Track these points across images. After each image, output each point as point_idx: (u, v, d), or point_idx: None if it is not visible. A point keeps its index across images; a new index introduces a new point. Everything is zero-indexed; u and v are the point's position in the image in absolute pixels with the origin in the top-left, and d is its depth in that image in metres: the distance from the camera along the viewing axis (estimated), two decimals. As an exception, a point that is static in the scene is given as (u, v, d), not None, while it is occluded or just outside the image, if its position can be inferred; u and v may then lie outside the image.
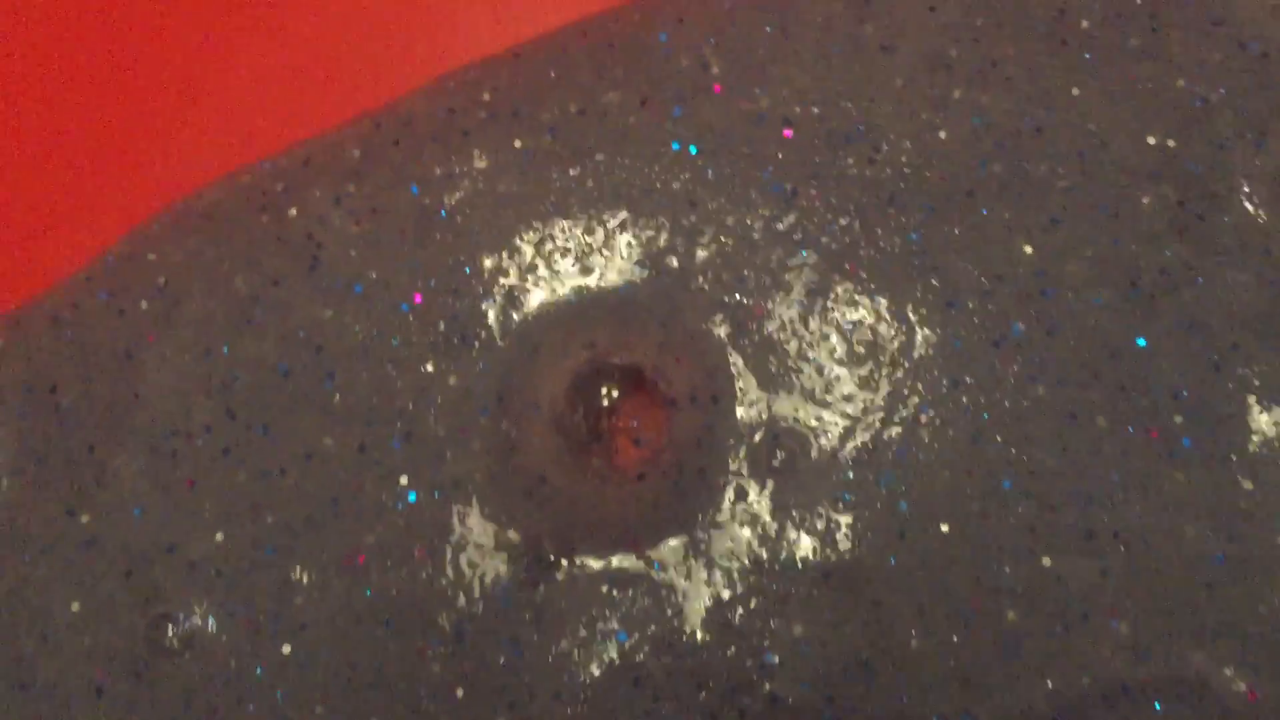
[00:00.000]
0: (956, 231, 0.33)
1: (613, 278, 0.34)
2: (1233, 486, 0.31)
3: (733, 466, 0.32)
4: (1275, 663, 0.30)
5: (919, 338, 0.33)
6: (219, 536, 0.33)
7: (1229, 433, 0.31)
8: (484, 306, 0.34)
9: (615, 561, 0.32)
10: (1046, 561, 0.31)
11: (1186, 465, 0.31)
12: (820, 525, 0.32)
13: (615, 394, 0.32)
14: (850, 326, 0.33)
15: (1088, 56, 0.35)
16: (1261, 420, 0.31)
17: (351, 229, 0.35)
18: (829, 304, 0.33)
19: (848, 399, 0.32)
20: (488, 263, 0.34)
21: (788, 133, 0.35)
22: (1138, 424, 0.31)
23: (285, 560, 0.33)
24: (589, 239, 0.34)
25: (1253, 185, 0.33)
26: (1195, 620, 0.31)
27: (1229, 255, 0.32)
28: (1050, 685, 0.30)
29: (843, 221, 0.34)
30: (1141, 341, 0.32)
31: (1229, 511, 0.31)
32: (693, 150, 0.35)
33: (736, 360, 0.33)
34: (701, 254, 0.34)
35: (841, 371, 0.33)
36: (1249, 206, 0.33)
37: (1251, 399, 0.31)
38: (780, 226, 0.34)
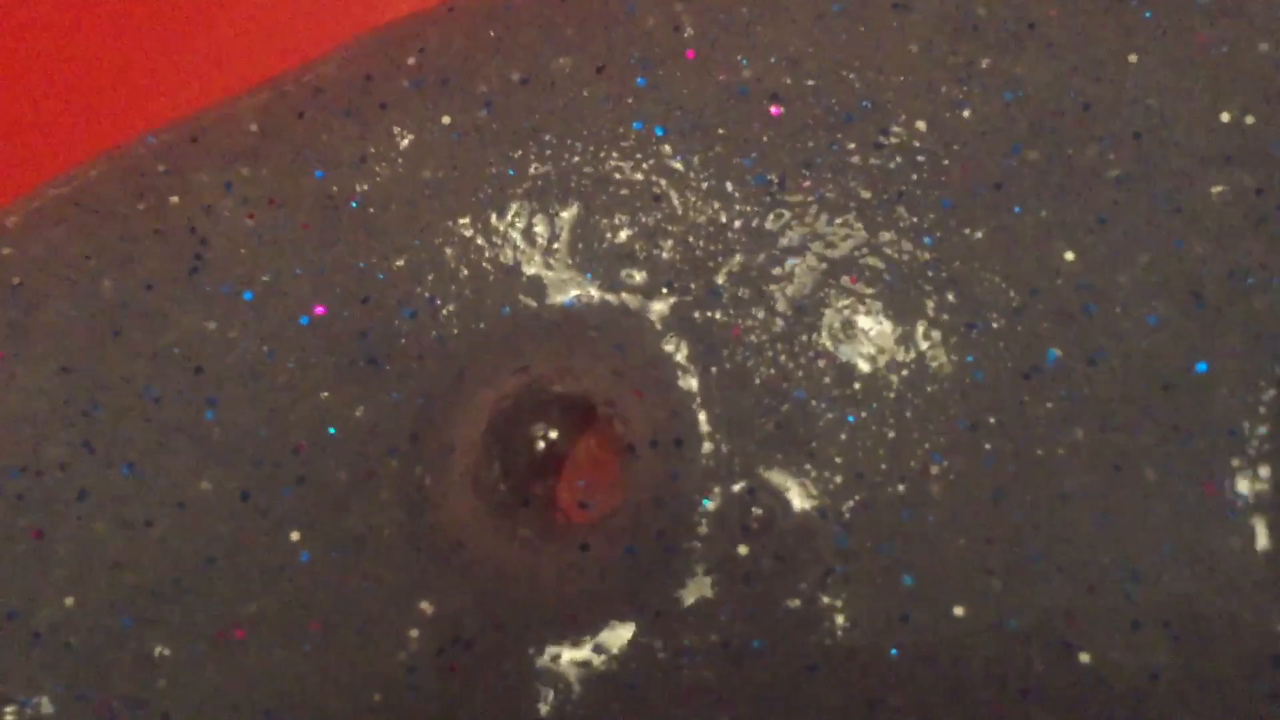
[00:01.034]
0: (980, 234, 0.27)
1: (557, 288, 0.27)
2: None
3: (699, 530, 0.26)
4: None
5: (931, 368, 0.26)
6: (70, 601, 0.27)
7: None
8: (398, 322, 0.28)
9: (550, 647, 0.26)
10: (1085, 658, 0.25)
11: (1242, 528, 0.25)
12: (804, 606, 0.25)
13: (555, 435, 0.26)
14: (847, 354, 0.27)
15: (1148, 16, 0.29)
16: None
17: (244, 222, 0.29)
18: (822, 325, 0.27)
19: (841, 445, 0.26)
20: (405, 267, 0.28)
21: (775, 110, 0.29)
22: (1191, 476, 0.25)
23: (148, 632, 0.26)
24: (530, 239, 0.28)
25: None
26: (1259, 712, 0.24)
27: None
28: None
29: (841, 221, 0.28)
30: (1202, 367, 0.25)
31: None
32: (659, 131, 0.28)
33: (707, 394, 0.27)
34: (667, 259, 0.27)
35: (835, 411, 0.26)
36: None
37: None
38: (764, 226, 0.28)
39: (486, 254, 0.28)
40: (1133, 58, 0.28)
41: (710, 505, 0.26)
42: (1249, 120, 0.28)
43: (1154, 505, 0.25)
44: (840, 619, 0.25)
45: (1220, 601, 0.25)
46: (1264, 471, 0.25)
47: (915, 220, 0.27)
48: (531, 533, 0.26)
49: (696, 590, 0.26)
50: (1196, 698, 0.25)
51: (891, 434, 0.26)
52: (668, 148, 0.28)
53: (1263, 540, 0.25)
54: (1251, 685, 0.24)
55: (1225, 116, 0.28)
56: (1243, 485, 0.25)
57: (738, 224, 0.28)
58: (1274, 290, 0.26)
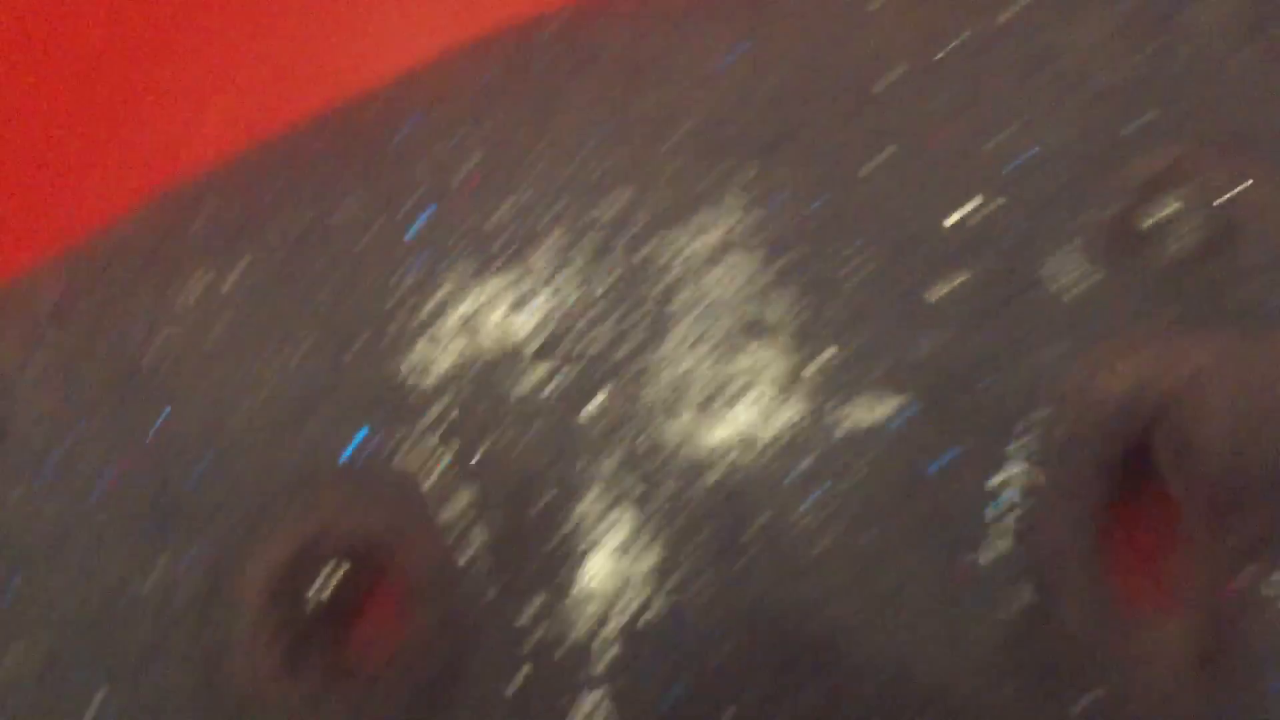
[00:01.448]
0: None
1: (344, 438, 0.29)
2: (1040, 631, 0.26)
3: (484, 657, 0.27)
4: None
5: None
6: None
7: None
8: (191, 480, 0.29)
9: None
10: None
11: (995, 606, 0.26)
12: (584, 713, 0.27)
13: (343, 575, 0.27)
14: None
15: (891, 121, 0.30)
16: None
17: (42, 389, 0.30)
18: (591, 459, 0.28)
19: (604, 567, 0.27)
20: (197, 425, 0.29)
21: (551, 235, 0.30)
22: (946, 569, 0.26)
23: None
24: (317, 390, 0.29)
25: (1073, 250, 0.28)
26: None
27: (1038, 335, 0.27)
28: None
29: (606, 341, 0.29)
30: (933, 468, 0.27)
31: (1040, 661, 0.26)
32: (429, 276, 0.30)
33: (480, 528, 0.28)
34: (444, 405, 0.29)
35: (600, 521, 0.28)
36: (1066, 272, 0.28)
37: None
38: (532, 356, 0.29)
39: (275, 407, 0.29)
40: (863, 171, 0.30)
41: (494, 633, 0.27)
42: (973, 221, 0.29)
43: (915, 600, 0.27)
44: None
45: (979, 683, 0.26)
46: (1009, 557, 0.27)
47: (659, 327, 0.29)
48: (321, 677, 0.27)
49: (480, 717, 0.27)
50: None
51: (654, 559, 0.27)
52: (450, 283, 0.30)
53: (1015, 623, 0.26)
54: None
55: (953, 218, 0.29)
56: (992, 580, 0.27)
57: (507, 359, 0.29)
58: (1005, 377, 0.27)
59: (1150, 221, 0.28)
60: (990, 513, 0.27)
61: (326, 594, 0.27)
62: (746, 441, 0.28)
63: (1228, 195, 0.28)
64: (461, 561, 0.27)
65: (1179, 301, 0.28)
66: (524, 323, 0.29)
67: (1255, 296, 0.27)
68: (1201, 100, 0.29)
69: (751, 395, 0.28)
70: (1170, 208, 0.28)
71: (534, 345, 0.29)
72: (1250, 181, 0.28)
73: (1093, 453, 0.27)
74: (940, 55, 0.30)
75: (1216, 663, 0.26)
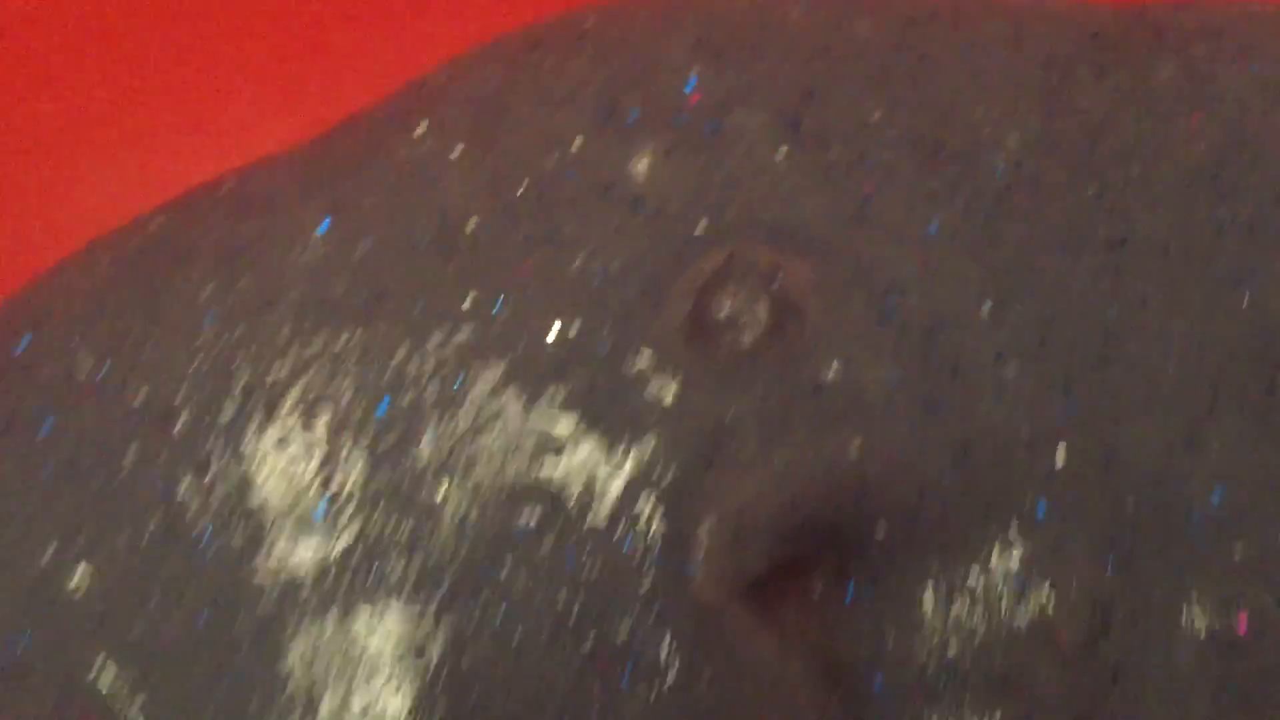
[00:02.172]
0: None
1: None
2: (691, 690, 0.28)
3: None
4: None
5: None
6: None
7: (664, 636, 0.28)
8: None
9: None
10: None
11: (640, 689, 0.28)
12: None
13: None
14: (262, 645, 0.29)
15: (479, 260, 0.32)
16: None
17: None
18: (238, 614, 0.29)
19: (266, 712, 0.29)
20: None
21: (171, 422, 0.31)
22: (586, 659, 0.28)
23: None
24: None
25: (658, 347, 0.30)
26: None
27: (643, 428, 0.30)
28: None
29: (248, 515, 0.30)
30: (570, 565, 0.29)
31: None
32: (70, 468, 0.31)
33: (148, 699, 0.29)
34: (87, 583, 0.30)
35: (259, 687, 0.29)
36: (655, 369, 0.31)
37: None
38: (176, 528, 0.30)
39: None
40: (467, 303, 0.32)
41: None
42: (573, 331, 0.31)
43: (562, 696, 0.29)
44: None
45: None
46: (645, 639, 0.29)
47: (306, 492, 0.30)
48: None
49: None
50: None
51: (320, 684, 0.29)
52: (74, 483, 0.31)
53: (657, 689, 0.28)
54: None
55: (555, 330, 0.32)
56: (631, 654, 0.29)
57: (151, 532, 0.30)
58: (622, 476, 0.30)
59: (719, 314, 0.31)
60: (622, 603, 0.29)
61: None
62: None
63: (776, 282, 0.31)
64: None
65: (758, 385, 0.31)
66: (167, 506, 0.31)
67: (817, 371, 0.31)
68: (748, 200, 0.32)
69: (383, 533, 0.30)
70: (730, 300, 0.31)
71: (179, 524, 0.30)
72: (795, 266, 0.31)
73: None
74: (516, 194, 0.33)
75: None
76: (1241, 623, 0.29)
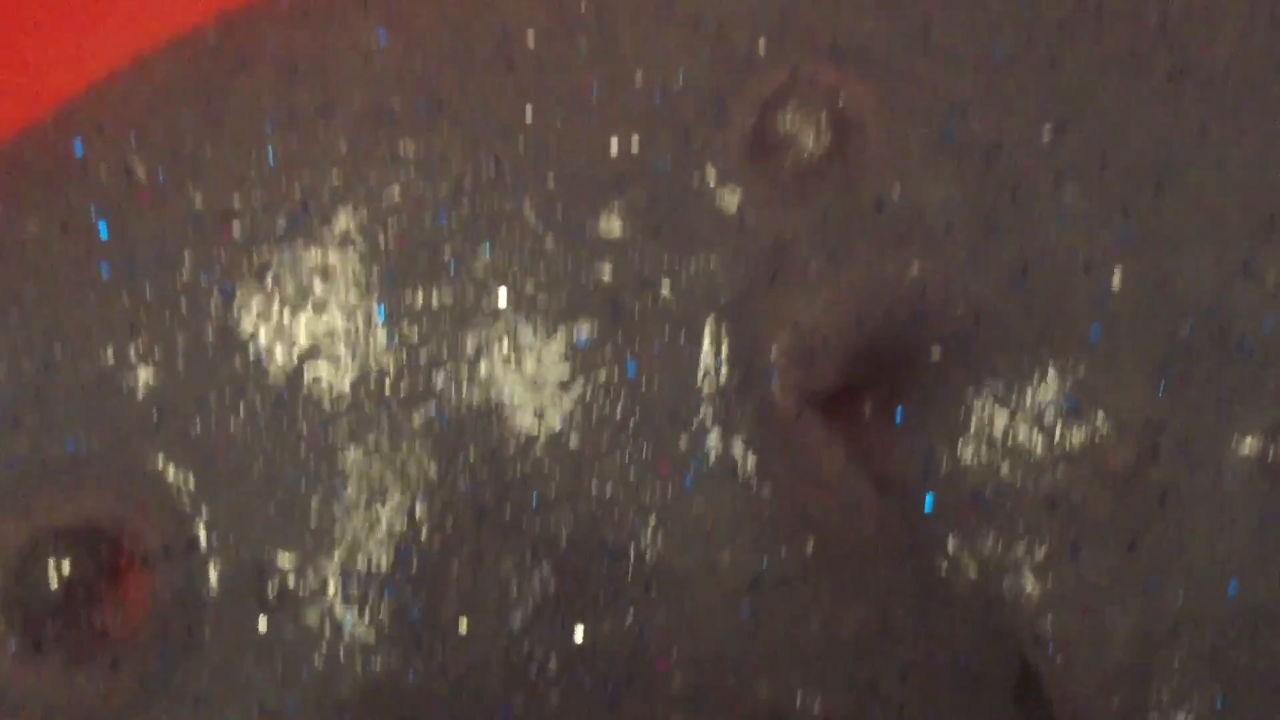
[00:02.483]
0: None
1: (50, 426, 0.30)
2: (753, 500, 0.28)
3: (223, 613, 0.28)
4: (837, 676, 0.28)
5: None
6: None
7: (730, 444, 0.28)
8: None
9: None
10: (578, 635, 0.28)
11: (702, 492, 0.28)
12: (325, 653, 0.28)
13: (68, 569, 0.28)
14: (323, 435, 0.29)
15: (538, 74, 0.32)
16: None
17: None
18: (298, 413, 0.29)
19: (325, 512, 0.29)
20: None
21: (229, 228, 0.31)
22: (648, 460, 0.28)
23: None
24: (24, 394, 0.30)
25: (719, 163, 0.30)
26: (750, 649, 0.28)
27: (703, 241, 0.30)
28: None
29: (305, 315, 0.30)
30: (631, 371, 0.29)
31: (755, 528, 0.28)
32: (128, 270, 0.31)
33: (209, 495, 0.29)
34: (147, 383, 0.30)
35: (323, 489, 0.29)
36: (718, 185, 0.30)
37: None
38: (233, 332, 0.30)
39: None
40: (529, 115, 0.32)
41: (229, 592, 0.28)
42: (634, 149, 0.31)
43: (620, 493, 0.29)
44: (360, 654, 0.28)
45: (695, 552, 0.28)
46: (707, 445, 0.29)
47: (366, 298, 0.30)
48: (62, 665, 0.28)
49: (230, 670, 0.28)
50: (685, 634, 0.28)
51: (365, 495, 0.29)
52: (138, 284, 0.31)
53: (713, 498, 0.29)
54: (732, 602, 0.28)
55: (615, 148, 0.31)
56: (690, 457, 0.29)
57: (212, 335, 0.30)
58: (677, 289, 0.30)
59: (781, 130, 0.31)
60: (684, 411, 0.29)
61: (60, 579, 0.28)
62: (453, 377, 0.30)
63: (839, 101, 0.31)
64: (189, 529, 0.28)
65: (820, 202, 0.31)
66: (221, 306, 0.31)
67: (879, 190, 0.30)
68: (810, 21, 0.32)
69: (455, 334, 0.30)
70: (793, 117, 0.31)
71: (237, 329, 0.31)
72: (857, 86, 0.31)
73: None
74: (579, 10, 0.33)
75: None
76: (1289, 448, 0.29)
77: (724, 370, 0.29)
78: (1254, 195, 0.30)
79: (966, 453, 0.30)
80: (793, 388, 0.28)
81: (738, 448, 0.28)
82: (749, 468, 0.28)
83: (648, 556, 0.28)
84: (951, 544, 0.29)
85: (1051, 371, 0.29)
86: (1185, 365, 0.29)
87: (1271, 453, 0.29)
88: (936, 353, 0.29)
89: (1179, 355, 0.29)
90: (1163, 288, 0.30)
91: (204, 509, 0.29)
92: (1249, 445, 0.29)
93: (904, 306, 0.29)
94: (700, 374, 0.29)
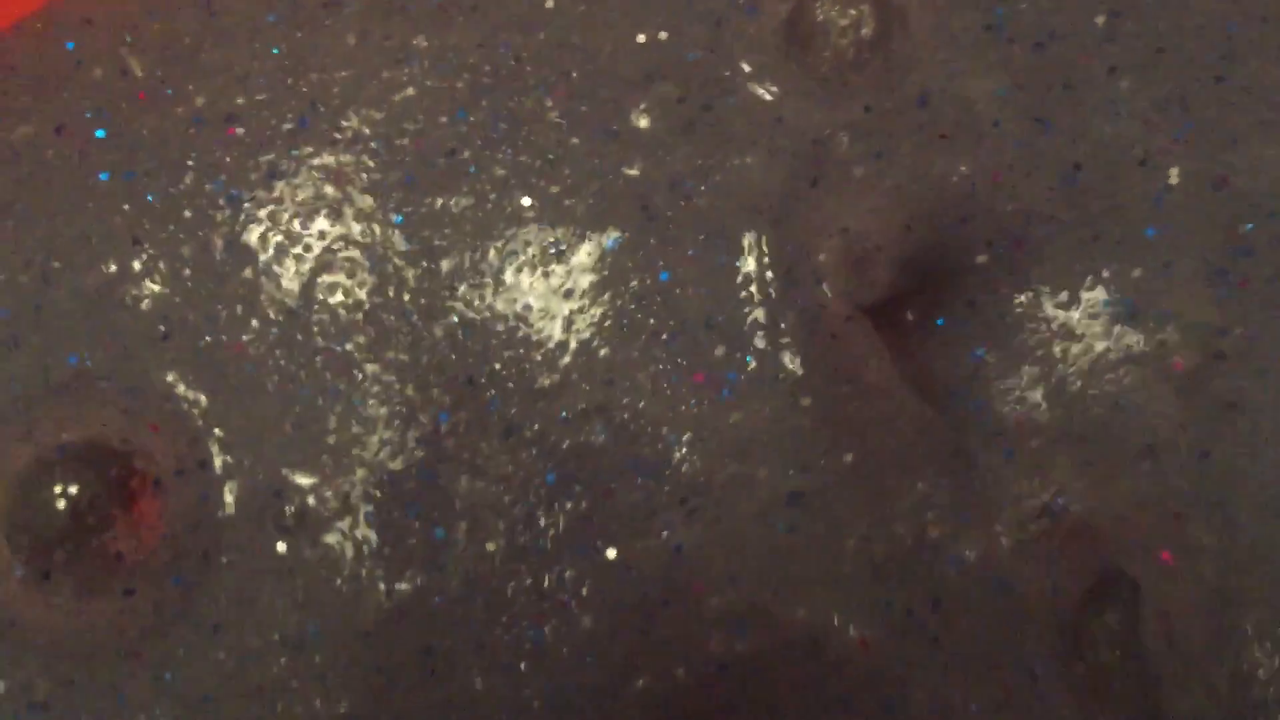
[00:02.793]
0: (443, 201, 0.28)
1: (51, 343, 0.28)
2: (793, 411, 0.26)
3: (240, 536, 0.26)
4: (873, 606, 0.26)
5: (414, 341, 0.28)
6: None
7: (772, 353, 0.27)
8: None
9: (126, 689, 0.26)
10: (611, 554, 0.26)
11: (740, 403, 0.27)
12: (346, 577, 0.26)
13: (79, 491, 0.26)
14: (341, 347, 0.28)
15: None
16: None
17: None
18: (313, 324, 0.28)
19: (354, 436, 0.27)
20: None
21: (232, 131, 0.29)
22: (682, 371, 0.27)
23: None
24: (24, 310, 0.28)
25: (753, 55, 0.28)
26: (787, 568, 0.26)
27: (738, 140, 0.28)
28: (642, 684, 0.26)
29: (314, 223, 0.29)
30: (665, 275, 0.27)
31: (794, 440, 0.26)
32: (128, 176, 0.29)
33: (221, 414, 0.27)
34: (152, 295, 0.28)
35: (343, 404, 0.27)
36: (752, 79, 0.28)
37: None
38: (243, 240, 0.28)
39: (-16, 331, 0.28)
40: (549, 3, 0.30)
41: (246, 515, 0.27)
42: (663, 36, 0.29)
43: (654, 406, 0.27)
44: (384, 580, 0.26)
45: (731, 466, 0.27)
46: (747, 354, 0.27)
47: (382, 203, 0.29)
48: (73, 593, 0.26)
49: (248, 597, 0.26)
50: (719, 556, 0.26)
51: (386, 410, 0.27)
52: (139, 188, 0.29)
53: (750, 409, 0.27)
54: (768, 522, 0.26)
55: (641, 37, 0.29)
56: (728, 369, 0.27)
57: (219, 243, 0.29)
58: (716, 185, 0.28)
59: (819, 19, 0.29)
60: (722, 317, 0.27)
61: (68, 502, 0.26)
62: (479, 285, 0.28)
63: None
64: (204, 456, 0.27)
65: (862, 97, 0.29)
66: (233, 217, 0.29)
67: (923, 83, 0.28)
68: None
69: (479, 243, 0.28)
70: (830, 3, 0.29)
71: (234, 235, 0.29)
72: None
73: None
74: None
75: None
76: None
77: (768, 277, 0.27)
78: (1317, 87, 0.28)
79: (1018, 358, 0.28)
80: (843, 295, 0.26)
81: (784, 357, 0.27)
82: (793, 377, 0.27)
83: (683, 471, 0.26)
84: (997, 452, 0.27)
85: (1106, 273, 0.27)
86: (1247, 267, 0.27)
87: (1336, 356, 0.27)
88: (985, 256, 0.28)
89: (1240, 256, 0.28)
90: (1222, 185, 0.28)
91: (216, 428, 0.27)
92: (1312, 350, 0.27)
93: (952, 208, 0.27)
94: (739, 281, 0.27)
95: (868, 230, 0.27)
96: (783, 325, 0.27)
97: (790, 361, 0.26)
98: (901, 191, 0.27)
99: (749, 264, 0.27)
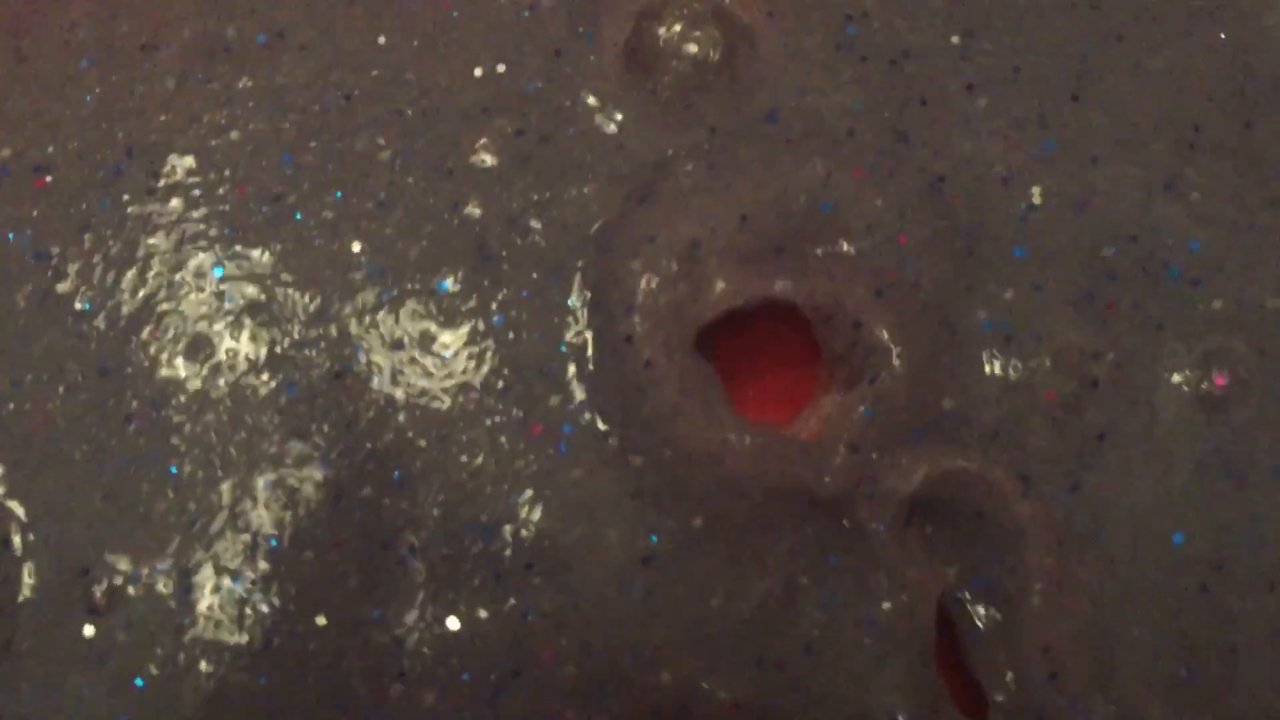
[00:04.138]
0: (270, 249, 0.25)
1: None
2: (626, 472, 0.23)
3: (43, 620, 0.23)
4: (743, 664, 0.23)
5: (248, 395, 0.24)
6: None
7: (591, 404, 0.24)
8: None
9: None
10: (453, 624, 0.23)
11: (578, 458, 0.23)
12: (162, 659, 0.23)
13: None
14: (167, 403, 0.24)
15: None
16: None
17: None
18: (140, 385, 0.24)
19: (159, 499, 0.24)
20: None
21: (41, 182, 0.26)
22: (519, 422, 0.24)
23: None
24: None
25: (594, 83, 0.25)
26: (646, 632, 0.23)
27: (577, 171, 0.25)
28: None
29: (129, 276, 0.25)
30: (499, 320, 0.24)
31: (637, 502, 0.23)
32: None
33: (20, 486, 0.24)
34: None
35: (159, 466, 0.24)
36: (593, 107, 0.25)
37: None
38: (48, 298, 0.25)
39: None
40: (381, 39, 0.27)
41: (49, 597, 0.23)
42: (500, 69, 0.26)
43: (491, 463, 0.24)
44: (206, 666, 0.23)
45: (578, 528, 0.24)
46: (575, 400, 0.24)
47: (204, 252, 0.25)
48: None
49: (50, 685, 0.23)
50: (574, 621, 0.23)
51: (204, 476, 0.24)
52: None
53: (590, 465, 0.24)
54: (620, 589, 0.23)
55: (479, 71, 0.26)
56: (563, 420, 0.24)
57: (22, 302, 0.25)
58: (553, 220, 0.25)
59: (661, 41, 0.26)
60: (554, 363, 0.24)
61: None
62: (299, 336, 0.24)
63: (725, 6, 0.26)
64: (4, 533, 0.23)
65: (706, 118, 0.26)
66: (41, 272, 0.25)
67: (773, 101, 0.26)
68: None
69: (293, 293, 0.25)
70: (674, 25, 0.26)
71: (55, 294, 0.25)
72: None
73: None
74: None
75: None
76: (1220, 379, 0.25)
77: (584, 313, 0.24)
78: (1174, 106, 0.26)
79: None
80: (659, 320, 0.23)
81: (601, 411, 0.23)
82: (617, 434, 0.23)
83: (525, 533, 0.23)
84: (863, 495, 0.24)
85: (982, 292, 0.25)
86: (1113, 290, 0.25)
87: (1205, 384, 0.25)
88: (849, 248, 0.25)
89: (1105, 280, 0.25)
90: (1085, 205, 0.25)
91: (18, 502, 0.23)
92: (1182, 376, 0.25)
93: (804, 196, 0.24)
94: (569, 319, 0.24)
95: (690, 232, 0.24)
96: (601, 370, 0.23)
97: (606, 418, 0.23)
98: (733, 189, 0.24)
99: (575, 299, 0.24)
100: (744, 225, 0.24)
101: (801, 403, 0.25)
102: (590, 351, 0.24)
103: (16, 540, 0.23)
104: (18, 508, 0.23)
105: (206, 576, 0.23)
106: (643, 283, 0.24)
